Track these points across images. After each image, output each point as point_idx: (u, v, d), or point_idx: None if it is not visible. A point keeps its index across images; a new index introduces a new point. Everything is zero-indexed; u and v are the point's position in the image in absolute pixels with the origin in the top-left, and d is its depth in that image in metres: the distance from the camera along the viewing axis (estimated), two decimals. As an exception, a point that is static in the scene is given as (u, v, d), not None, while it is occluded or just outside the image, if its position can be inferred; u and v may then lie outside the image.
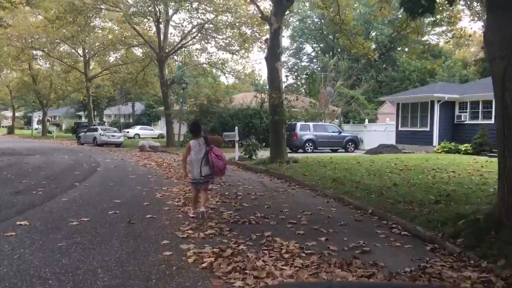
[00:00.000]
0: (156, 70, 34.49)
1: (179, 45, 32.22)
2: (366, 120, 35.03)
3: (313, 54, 61.98)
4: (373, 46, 24.93)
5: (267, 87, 19.33)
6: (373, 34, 50.26)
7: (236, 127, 19.38)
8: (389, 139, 27.02)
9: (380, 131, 30.21)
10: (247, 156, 18.28)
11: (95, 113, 53.79)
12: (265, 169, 14.95)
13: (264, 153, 18.26)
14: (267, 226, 6.74)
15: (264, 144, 21.37)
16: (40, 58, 45.62)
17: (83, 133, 35.38)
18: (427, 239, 6.13)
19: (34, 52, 41.76)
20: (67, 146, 30.83)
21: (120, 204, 8.24)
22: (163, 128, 40.51)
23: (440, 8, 13.42)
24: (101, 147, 29.85)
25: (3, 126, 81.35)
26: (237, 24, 28.96)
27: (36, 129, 62.49)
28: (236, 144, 18.83)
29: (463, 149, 21.78)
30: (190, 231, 6.15)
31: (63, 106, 66.09)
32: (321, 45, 59.33)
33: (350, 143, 27.46)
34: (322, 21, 52.74)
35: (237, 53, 32.27)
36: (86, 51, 40.99)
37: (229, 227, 6.49)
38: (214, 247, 5.32)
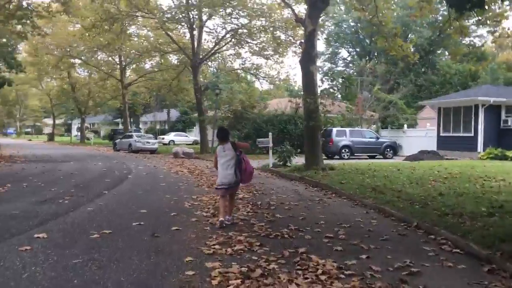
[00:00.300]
0: (190, 76, 34.49)
1: (213, 50, 32.08)
2: (405, 126, 33.87)
3: (349, 58, 60.90)
4: (412, 49, 23.93)
5: (302, 92, 18.75)
6: (412, 36, 48.89)
7: (270, 133, 18.83)
8: (430, 145, 25.87)
9: (420, 136, 29.09)
10: (281, 163, 17.72)
11: (131, 120, 54.49)
12: (299, 177, 14.35)
13: (298, 160, 17.66)
14: (301, 240, 6.16)
15: (299, 150, 20.74)
16: (78, 66, 46.61)
17: (118, 140, 35.68)
18: (483, 258, 5.39)
19: (72, 60, 42.63)
20: (103, 153, 31.08)
21: (146, 214, 7.84)
22: (198, 134, 40.50)
23: (486, 6, 12.58)
24: (136, 154, 29.95)
25: (44, 133, 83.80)
26: (271, 28, 28.55)
27: (75, 136, 63.89)
28: (270, 151, 18.29)
29: (511, 155, 20.53)
30: (217, 246, 5.64)
31: (100, 113, 67.47)
32: (357, 50, 58.20)
33: (388, 149, 26.54)
34: (358, 24, 51.66)
35: (271, 57, 31.86)
36: (122, 58, 41.55)
37: (260, 241, 5.94)
38: (242, 266, 4.79)
